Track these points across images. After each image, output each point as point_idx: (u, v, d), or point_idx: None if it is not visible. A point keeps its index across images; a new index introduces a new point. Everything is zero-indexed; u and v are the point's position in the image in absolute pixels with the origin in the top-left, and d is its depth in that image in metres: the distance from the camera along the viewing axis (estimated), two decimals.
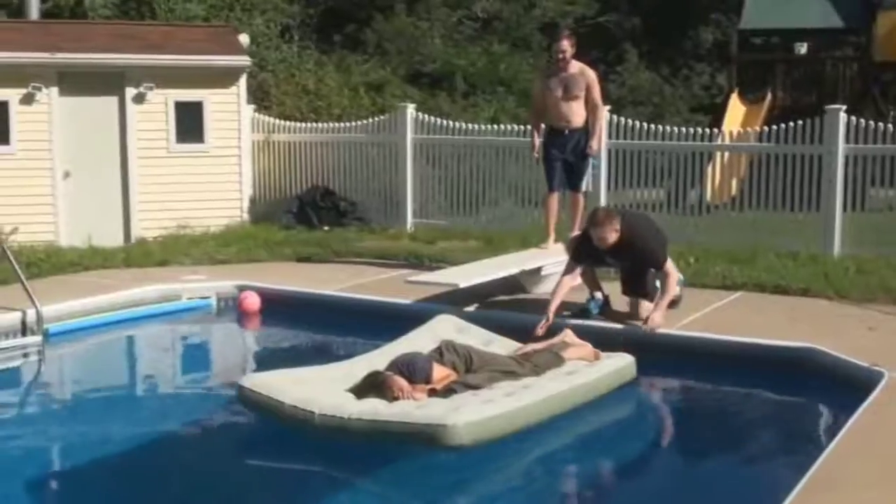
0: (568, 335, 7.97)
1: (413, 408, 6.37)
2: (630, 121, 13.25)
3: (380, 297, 10.32)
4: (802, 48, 23.78)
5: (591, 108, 10.77)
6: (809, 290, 10.08)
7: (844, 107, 12.27)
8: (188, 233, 13.91)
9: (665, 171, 12.98)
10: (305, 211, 14.77)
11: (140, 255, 12.64)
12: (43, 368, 9.34)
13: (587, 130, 10.88)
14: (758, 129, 13.58)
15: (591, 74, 10.84)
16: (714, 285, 10.24)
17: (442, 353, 7.25)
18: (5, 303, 9.65)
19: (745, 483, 6.41)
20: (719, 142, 13.34)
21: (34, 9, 16.24)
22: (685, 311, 9.29)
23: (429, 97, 19.90)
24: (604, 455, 7.13)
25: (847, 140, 11.95)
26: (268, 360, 9.79)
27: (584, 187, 11.00)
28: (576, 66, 10.79)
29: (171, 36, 15.27)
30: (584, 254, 9.07)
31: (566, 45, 10.76)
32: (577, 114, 10.78)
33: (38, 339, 9.33)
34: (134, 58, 14.05)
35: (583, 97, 10.76)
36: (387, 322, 9.53)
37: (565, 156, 10.81)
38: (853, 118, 12.02)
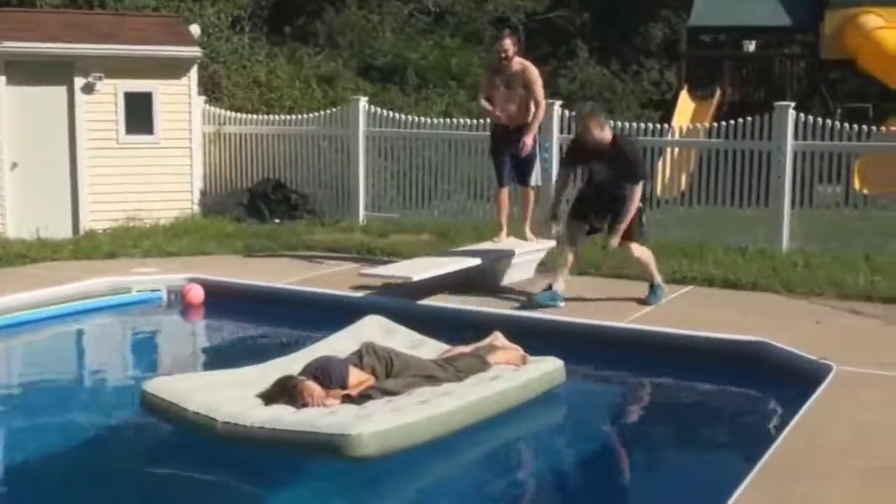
0: (498, 338, 7.65)
1: (319, 416, 5.98)
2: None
3: (328, 290, 10.29)
4: (751, 45, 24.00)
5: (533, 105, 10.78)
6: (758, 285, 10.19)
7: (793, 104, 12.38)
8: (138, 225, 13.79)
9: None
10: (256, 203, 14.68)
11: (89, 248, 12.53)
12: None
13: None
14: (707, 125, 13.67)
15: (534, 71, 10.85)
16: (665, 280, 10.28)
17: (362, 356, 6.88)
18: None
19: (695, 474, 6.47)
20: (669, 137, 13.42)
21: None
22: (636, 306, 9.34)
23: (380, 90, 19.87)
24: (544, 453, 7.18)
25: (795, 136, 12.06)
26: (212, 353, 9.81)
27: (533, 182, 11.03)
28: (518, 64, 10.81)
29: (120, 25, 15.13)
30: (575, 157, 9.88)
31: (508, 44, 10.81)
32: (520, 110, 10.80)
33: None
34: (83, 47, 13.89)
35: (526, 94, 10.80)
36: (336, 315, 9.51)
37: (512, 151, 10.82)
38: (801, 115, 12.13)
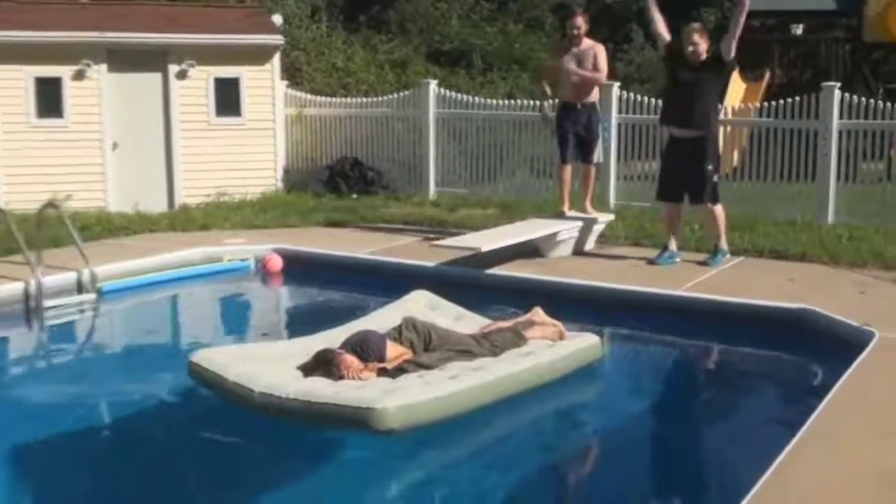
0: (538, 314, 7.36)
1: (350, 389, 5.71)
2: (638, 96, 13.24)
3: (401, 259, 10.36)
4: (798, 29, 23.66)
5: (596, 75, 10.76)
6: (806, 256, 10.10)
7: (838, 84, 12.24)
8: (227, 200, 13.98)
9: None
10: (335, 180, 14.81)
11: (183, 221, 12.69)
12: (97, 323, 9.42)
13: (597, 106, 10.93)
14: (757, 104, 13.56)
15: (601, 49, 10.78)
16: None
17: (401, 330, 6.67)
18: (62, 263, 9.73)
19: (746, 434, 6.44)
20: (722, 116, 13.30)
21: None
22: (690, 275, 9.34)
23: (448, 74, 19.86)
24: (601, 412, 7.14)
25: (841, 116, 11.94)
26: (292, 316, 10.01)
27: (595, 159, 11.01)
28: (587, 43, 10.74)
29: (210, 16, 15.29)
30: (675, 49, 9.83)
31: (580, 22, 10.73)
32: (589, 89, 10.77)
33: (92, 296, 9.42)
34: (177, 37, 14.09)
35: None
36: (407, 283, 9.60)
37: (577, 129, 10.80)
38: (846, 95, 12.00)
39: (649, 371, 8.19)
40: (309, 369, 6.11)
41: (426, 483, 5.80)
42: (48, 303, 9.09)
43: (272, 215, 12.94)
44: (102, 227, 11.98)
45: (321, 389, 5.63)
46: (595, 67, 10.65)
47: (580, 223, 10.62)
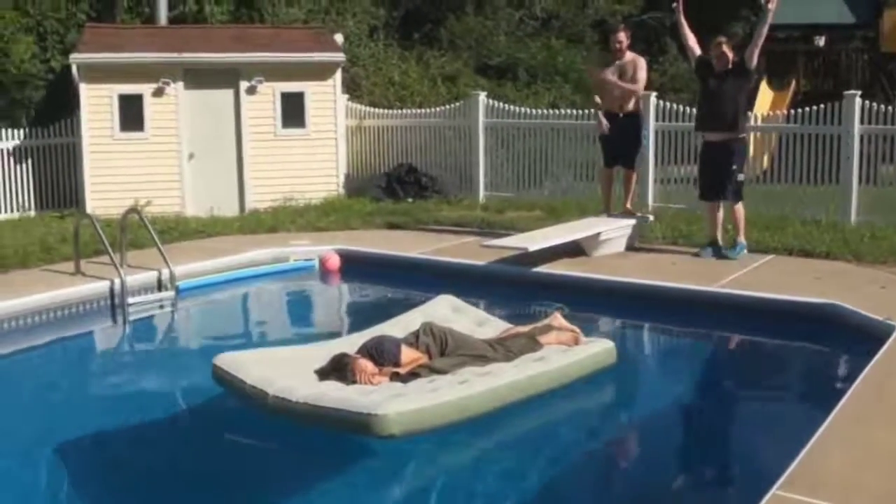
0: (556, 318, 7.10)
1: (357, 394, 5.50)
2: (674, 105, 13.13)
3: (453, 259, 10.35)
4: (820, 41, 23.39)
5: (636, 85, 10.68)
6: (831, 254, 9.97)
7: (859, 92, 12.07)
8: (293, 205, 14.01)
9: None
10: (392, 186, 14.82)
11: (253, 224, 12.77)
12: (175, 318, 9.49)
13: (639, 114, 10.85)
14: (784, 112, 13.41)
15: (641, 61, 10.72)
16: (749, 249, 10.14)
17: (418, 335, 6.41)
18: (144, 263, 9.84)
19: (776, 420, 6.40)
20: (751, 123, 13.17)
21: (163, 16, 16.39)
22: (724, 272, 9.24)
23: (496, 86, 19.77)
24: (644, 396, 7.14)
25: (862, 121, 11.76)
26: (355, 312, 10.05)
27: (635, 164, 10.95)
28: (629, 56, 10.67)
29: (277, 37, 15.35)
30: (704, 61, 10.04)
31: (622, 37, 10.68)
32: (629, 99, 10.69)
33: (171, 293, 9.52)
34: (247, 56, 14.16)
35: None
36: (459, 281, 9.63)
37: (618, 136, 10.74)
38: (867, 102, 11.83)
39: (687, 361, 8.12)
40: (325, 373, 5.94)
41: (431, 486, 5.62)
42: (131, 299, 9.20)
43: (334, 218, 12.95)
44: (180, 231, 12.07)
45: (329, 394, 5.45)
46: (633, 79, 10.56)
47: (622, 223, 10.55)
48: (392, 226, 12.62)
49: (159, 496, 5.31)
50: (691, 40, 10.20)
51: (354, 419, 5.08)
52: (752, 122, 13.06)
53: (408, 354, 6.17)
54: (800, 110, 12.55)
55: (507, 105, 14.79)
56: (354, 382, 5.76)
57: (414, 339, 6.38)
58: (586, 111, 13.72)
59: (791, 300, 8.18)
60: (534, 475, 5.59)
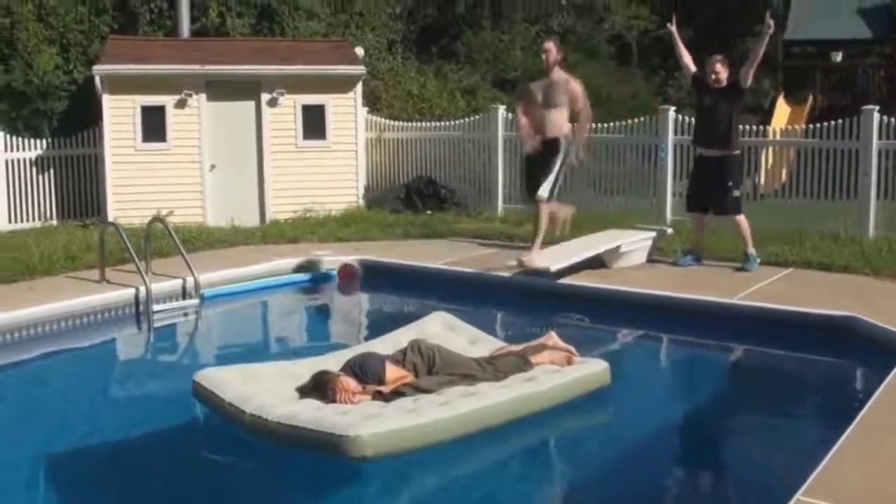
0: (551, 337, 6.83)
1: (333, 413, 5.27)
2: (691, 119, 13.18)
3: (469, 269, 10.41)
4: (838, 56, 23.45)
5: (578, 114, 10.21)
6: (849, 268, 10.00)
7: (877, 107, 12.12)
8: (313, 215, 14.10)
9: None
10: (411, 197, 14.92)
11: (275, 234, 12.87)
12: (200, 325, 9.61)
13: (559, 141, 10.37)
14: (802, 127, 13.48)
15: (575, 83, 10.26)
16: (768, 262, 10.19)
17: (406, 353, 6.20)
18: (168, 272, 9.95)
19: (797, 432, 6.45)
20: (770, 138, 13.25)
21: (185, 28, 16.53)
22: (744, 285, 9.29)
23: (514, 100, 19.89)
24: (666, 405, 7.18)
25: (880, 136, 11.82)
26: (373, 321, 10.11)
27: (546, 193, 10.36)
28: (560, 74, 10.27)
29: (298, 50, 15.49)
30: (699, 78, 10.20)
31: (551, 47, 10.29)
32: (556, 123, 10.28)
33: (195, 301, 9.64)
34: (268, 68, 14.28)
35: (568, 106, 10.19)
36: (477, 291, 9.73)
37: (540, 161, 10.42)
38: (885, 117, 11.88)
39: (706, 372, 8.18)
40: (306, 391, 5.74)
41: None
42: (156, 307, 9.31)
43: (354, 229, 13.04)
44: (202, 240, 12.18)
45: (304, 413, 5.27)
46: (556, 103, 10.20)
47: (641, 236, 10.61)
48: (411, 237, 12.69)
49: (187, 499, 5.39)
50: (686, 58, 10.38)
51: (326, 440, 4.94)
52: (770, 137, 13.18)
53: (393, 372, 5.95)
54: (817, 125, 12.61)
55: None
56: (335, 401, 5.56)
57: (401, 357, 6.17)
58: (604, 125, 13.82)
59: (810, 312, 8.22)
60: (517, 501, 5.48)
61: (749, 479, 5.74)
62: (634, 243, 10.44)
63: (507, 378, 6.11)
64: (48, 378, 8.00)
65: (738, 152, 10.28)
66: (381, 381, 5.83)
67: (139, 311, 9.32)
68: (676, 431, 6.66)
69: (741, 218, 10.13)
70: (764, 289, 9.22)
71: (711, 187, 10.14)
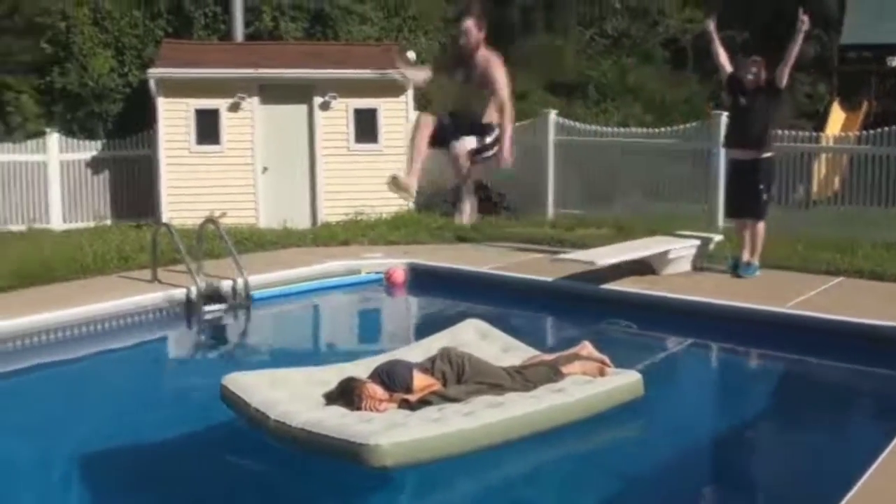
0: (585, 347, 6.67)
1: (356, 421, 5.21)
2: None
3: (518, 274, 10.39)
4: (893, 61, 23.10)
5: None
6: None
7: None
8: (364, 218, 14.19)
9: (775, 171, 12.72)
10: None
11: (326, 236, 12.97)
12: (249, 326, 9.73)
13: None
14: (856, 133, 13.30)
15: (496, 59, 7.13)
16: (819, 271, 10.06)
17: (434, 361, 6.07)
18: (219, 273, 10.05)
19: (847, 442, 6.39)
20: (823, 144, 13.09)
21: (239, 33, 16.72)
22: (793, 293, 9.19)
23: (566, 104, 19.85)
24: (720, 413, 7.12)
25: None
26: (421, 325, 10.07)
27: None
28: (482, 53, 7.14)
29: (350, 53, 15.59)
30: (735, 78, 10.02)
31: (470, 26, 7.04)
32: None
33: (245, 302, 9.75)
34: (321, 72, 14.41)
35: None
36: (526, 296, 9.70)
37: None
38: None
39: (753, 383, 8.11)
40: (333, 398, 5.68)
41: None
42: (206, 307, 9.43)
43: (404, 232, 13.11)
44: (254, 242, 12.31)
45: (327, 420, 5.21)
46: (484, 84, 7.08)
47: (691, 243, 10.53)
48: (461, 241, 12.70)
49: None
50: (722, 57, 10.22)
51: (347, 448, 4.88)
52: (823, 143, 13.02)
53: (420, 381, 5.82)
54: (871, 132, 12.44)
55: (577, 123, 14.83)
56: (360, 408, 5.48)
57: (430, 365, 6.05)
58: (658, 129, 13.77)
59: (860, 323, 8.10)
60: None
61: (798, 484, 5.66)
62: (684, 249, 10.36)
63: (537, 388, 5.98)
64: (97, 376, 8.12)
65: (771, 155, 10.10)
66: (409, 390, 5.72)
67: (190, 311, 9.44)
68: (716, 443, 6.61)
69: (760, 226, 10.00)
70: (814, 298, 9.11)
71: (743, 190, 10.02)
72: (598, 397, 6.06)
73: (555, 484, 5.74)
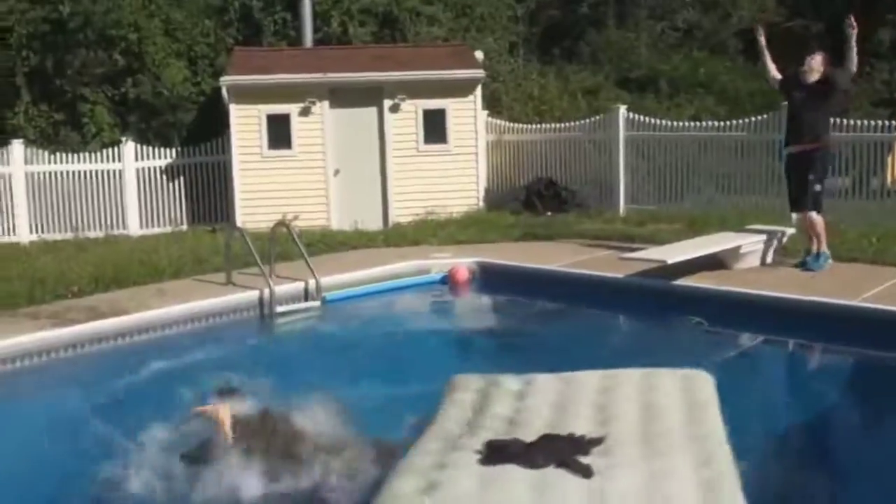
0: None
1: None
2: None
3: (589, 271, 10.37)
4: None
5: None
6: None
7: None
8: (434, 218, 14.31)
9: (851, 160, 12.54)
10: (531, 199, 14.97)
11: (396, 237, 13.11)
12: (322, 327, 9.87)
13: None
14: None
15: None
16: (894, 263, 9.90)
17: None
18: (292, 274, 10.26)
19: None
20: None
21: (308, 38, 16.93)
22: (864, 286, 9.05)
23: (637, 99, 19.74)
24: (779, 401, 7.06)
25: None
26: (491, 324, 10.15)
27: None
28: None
29: (418, 55, 15.72)
30: (788, 78, 10.16)
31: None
32: None
33: (317, 303, 9.92)
34: (390, 75, 14.56)
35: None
36: (598, 294, 9.68)
37: None
38: None
39: (828, 378, 8.02)
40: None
41: None
42: (279, 308, 9.62)
43: (474, 231, 13.17)
44: (326, 243, 12.49)
45: None
46: None
47: (763, 237, 10.43)
48: (531, 239, 12.73)
49: None
50: (770, 65, 10.32)
51: None
52: None
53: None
54: None
55: (648, 117, 14.77)
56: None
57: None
58: (730, 123, 13.64)
59: None
60: None
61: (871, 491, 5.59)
62: (755, 244, 10.27)
63: None
64: (173, 376, 8.29)
65: (824, 146, 9.98)
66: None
67: (263, 313, 9.63)
68: (792, 439, 6.48)
69: (814, 216, 9.88)
70: (885, 290, 8.95)
71: (797, 182, 10.00)
72: None
73: None
